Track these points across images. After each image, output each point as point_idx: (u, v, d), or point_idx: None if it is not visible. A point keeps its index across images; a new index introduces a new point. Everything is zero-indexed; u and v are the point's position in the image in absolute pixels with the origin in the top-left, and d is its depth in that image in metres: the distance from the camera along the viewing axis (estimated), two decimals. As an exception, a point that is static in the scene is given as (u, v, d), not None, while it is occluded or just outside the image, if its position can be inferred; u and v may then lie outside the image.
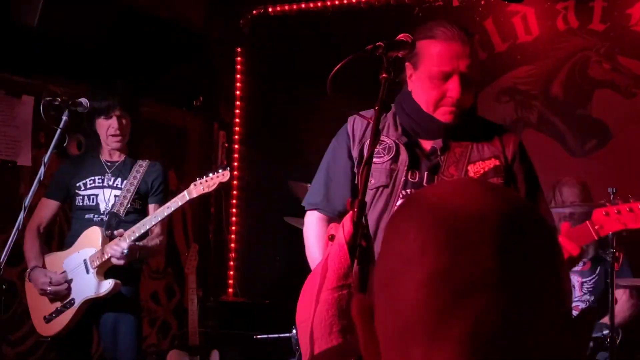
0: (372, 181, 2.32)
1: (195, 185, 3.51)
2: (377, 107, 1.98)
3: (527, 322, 0.67)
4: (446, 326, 0.66)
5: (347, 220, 1.87)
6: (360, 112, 2.43)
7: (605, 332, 3.62)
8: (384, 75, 2.00)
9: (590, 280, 4.04)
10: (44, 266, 3.66)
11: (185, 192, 3.51)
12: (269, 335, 4.49)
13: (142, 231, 3.50)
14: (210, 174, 3.51)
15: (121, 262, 3.48)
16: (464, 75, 2.28)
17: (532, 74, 5.10)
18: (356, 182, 2.38)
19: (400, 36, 2.06)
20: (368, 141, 2.36)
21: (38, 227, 3.73)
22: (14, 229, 2.93)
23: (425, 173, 2.36)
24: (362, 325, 0.76)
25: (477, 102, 2.49)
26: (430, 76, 2.30)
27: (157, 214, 3.53)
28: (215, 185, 3.49)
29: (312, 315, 1.79)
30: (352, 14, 5.55)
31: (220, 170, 3.51)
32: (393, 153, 2.36)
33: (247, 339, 4.80)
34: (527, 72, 5.11)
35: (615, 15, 4.90)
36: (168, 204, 3.53)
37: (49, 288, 3.56)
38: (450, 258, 0.67)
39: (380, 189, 2.34)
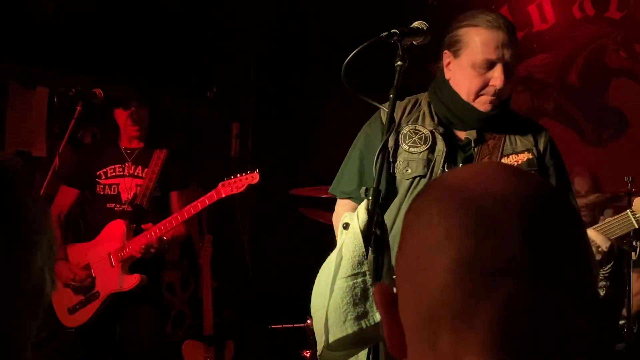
0: (409, 171, 2.28)
1: (223, 185, 3.49)
2: (392, 95, 1.97)
3: (556, 306, 0.66)
4: (474, 311, 0.65)
5: (362, 208, 1.86)
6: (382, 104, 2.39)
7: (622, 322, 3.59)
8: (399, 62, 1.99)
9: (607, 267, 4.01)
10: (65, 257, 3.67)
11: (213, 192, 3.50)
12: (284, 326, 4.49)
13: (170, 227, 3.51)
14: (239, 175, 3.49)
15: (147, 256, 3.51)
16: (508, 64, 2.24)
17: (548, 63, 5.06)
18: (391, 171, 2.33)
19: (416, 23, 2.05)
20: (403, 130, 2.35)
21: (59, 216, 3.74)
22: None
23: (460, 165, 2.31)
24: (387, 314, 0.74)
25: (511, 95, 2.44)
26: (473, 64, 2.25)
27: (184, 212, 3.52)
28: (244, 187, 3.48)
29: (327, 303, 1.79)
30: (365, 2, 5.52)
31: (249, 172, 3.49)
32: (430, 142, 2.31)
33: (262, 329, 4.81)
34: (543, 61, 5.07)
35: (631, 3, 4.85)
36: (195, 202, 3.52)
37: (72, 282, 3.59)
38: (477, 242, 0.66)
39: (417, 178, 2.29)
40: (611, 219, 2.12)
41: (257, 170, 3.50)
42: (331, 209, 2.63)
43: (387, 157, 2.33)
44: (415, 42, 2.02)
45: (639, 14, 4.84)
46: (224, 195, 3.48)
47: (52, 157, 3.09)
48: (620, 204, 3.65)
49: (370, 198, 1.84)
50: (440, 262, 0.67)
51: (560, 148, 2.44)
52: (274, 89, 5.93)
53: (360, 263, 1.79)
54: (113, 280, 3.57)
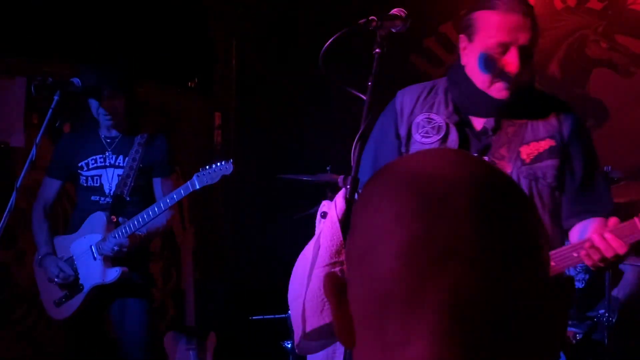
0: None
1: (198, 176, 3.45)
2: (370, 83, 1.96)
3: (505, 289, 0.65)
4: (422, 297, 0.64)
5: (340, 197, 1.85)
6: (410, 86, 2.34)
7: (602, 311, 3.62)
8: (377, 50, 1.97)
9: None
10: (53, 252, 3.65)
11: (188, 183, 3.47)
12: (265, 317, 4.49)
13: (144, 222, 3.48)
14: (214, 165, 3.45)
15: (122, 254, 3.49)
16: (524, 48, 2.14)
17: (529, 53, 5.07)
18: None
19: (394, 11, 2.04)
20: (417, 119, 2.30)
21: (44, 207, 3.72)
22: (6, 211, 2.91)
23: (475, 155, 2.25)
24: (336, 303, 0.73)
25: (535, 77, 2.35)
26: (486, 49, 2.15)
27: (160, 204, 3.50)
28: (219, 178, 3.46)
29: (304, 293, 1.78)
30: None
31: (222, 162, 3.46)
32: (443, 133, 2.24)
33: (243, 320, 4.80)
34: (524, 52, 5.08)
35: (613, -7, 4.86)
36: (171, 193, 3.50)
37: (56, 279, 3.58)
38: (426, 225, 0.65)
39: None
40: (621, 225, 2.01)
41: (232, 161, 3.47)
42: (313, 200, 2.62)
43: (400, 147, 2.30)
44: (393, 30, 2.01)
45: (620, 5, 4.85)
46: (198, 187, 3.46)
47: (30, 147, 3.06)
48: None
49: (348, 187, 1.83)
50: (389, 247, 0.66)
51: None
52: (256, 78, 5.91)
53: (338, 252, 1.79)
54: (96, 273, 3.56)
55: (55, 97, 3.10)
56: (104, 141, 3.69)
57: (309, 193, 4.19)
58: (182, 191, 3.47)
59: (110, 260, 3.55)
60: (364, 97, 1.95)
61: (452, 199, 0.66)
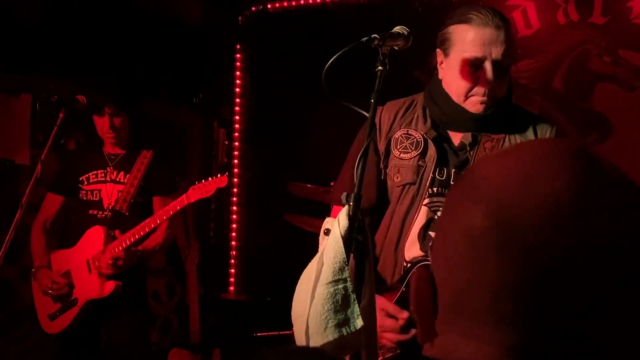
0: (399, 178, 2.24)
1: (193, 189, 3.48)
2: (372, 100, 1.96)
3: None
4: None
5: (343, 214, 1.85)
6: (389, 102, 2.36)
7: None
8: (379, 67, 1.98)
9: None
10: (48, 265, 3.65)
11: (184, 196, 3.49)
12: (270, 333, 4.48)
13: (140, 237, 3.49)
14: (209, 178, 3.48)
15: (116, 271, 3.47)
16: (498, 62, 2.15)
17: (532, 68, 5.07)
18: (382, 177, 2.29)
19: (397, 28, 2.04)
20: (395, 134, 2.31)
21: (44, 223, 3.73)
22: (11, 227, 2.92)
23: (453, 170, 2.23)
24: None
25: (511, 91, 2.33)
26: (461, 63, 2.17)
27: (156, 218, 3.51)
28: (213, 191, 3.47)
29: (308, 310, 1.77)
30: (352, 10, 5.53)
31: (218, 175, 3.48)
32: (421, 148, 2.25)
33: (248, 336, 4.79)
34: (528, 66, 5.08)
35: (615, 8, 4.86)
36: (167, 207, 3.52)
37: (49, 291, 3.58)
38: None
39: (407, 186, 2.24)
40: None
41: (226, 174, 3.51)
42: (317, 215, 2.62)
43: (378, 163, 2.31)
44: (396, 47, 2.01)
45: (624, 19, 4.85)
46: (193, 200, 3.47)
47: (35, 164, 3.07)
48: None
49: (351, 204, 1.83)
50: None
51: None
52: (261, 93, 5.93)
53: (342, 269, 1.78)
54: (91, 287, 3.56)
55: (60, 115, 3.11)
56: (107, 157, 3.71)
57: (315, 208, 4.20)
58: (177, 205, 3.48)
59: (106, 274, 3.54)
60: (366, 114, 1.95)
61: None
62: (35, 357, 4.52)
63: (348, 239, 1.78)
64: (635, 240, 0.64)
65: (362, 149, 1.87)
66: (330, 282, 1.76)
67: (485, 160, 0.76)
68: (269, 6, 5.85)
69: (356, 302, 1.75)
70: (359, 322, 1.74)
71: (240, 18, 5.95)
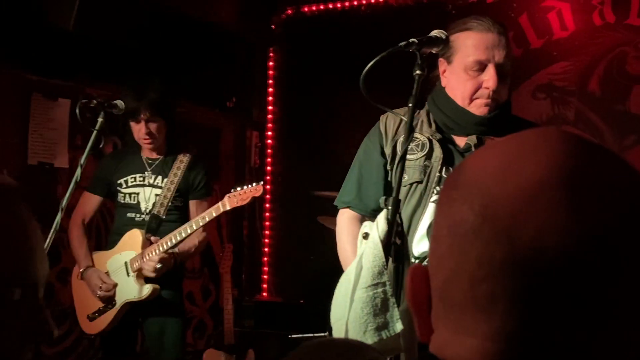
0: (406, 177, 2.28)
1: (229, 197, 3.53)
2: (411, 104, 1.97)
3: None
4: None
5: (382, 218, 1.86)
6: (393, 110, 2.41)
7: None
8: (417, 71, 1.99)
9: None
10: (94, 265, 3.72)
11: (219, 204, 3.54)
12: (304, 335, 4.49)
13: (176, 240, 3.54)
14: (245, 187, 3.54)
15: (155, 274, 3.53)
16: (500, 66, 2.24)
17: (568, 70, 5.03)
18: (389, 179, 2.36)
19: (434, 32, 2.06)
20: (401, 138, 2.35)
21: (82, 222, 3.78)
22: (51, 231, 2.96)
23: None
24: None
25: (511, 98, 2.42)
26: (465, 67, 2.26)
27: (192, 223, 3.56)
28: (249, 199, 3.52)
29: (347, 314, 1.78)
30: (385, 12, 5.53)
31: (253, 184, 3.53)
32: (427, 149, 2.32)
33: (282, 338, 4.81)
34: (564, 68, 5.04)
35: (653, 9, 4.81)
36: (203, 214, 3.56)
37: (99, 292, 3.64)
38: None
39: (414, 185, 2.30)
40: None
41: (262, 183, 3.56)
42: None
43: (385, 165, 2.39)
44: (434, 51, 2.03)
45: (660, 20, 4.79)
46: (229, 208, 3.52)
47: (74, 168, 3.11)
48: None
49: (389, 207, 1.84)
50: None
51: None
52: (294, 97, 5.95)
53: (381, 273, 1.79)
54: (129, 289, 3.62)
55: (99, 119, 3.15)
56: (145, 161, 3.76)
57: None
58: (213, 212, 3.53)
59: (144, 277, 3.60)
60: (404, 118, 1.96)
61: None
62: (75, 357, 4.59)
63: (387, 243, 1.80)
64: (621, 222, 0.65)
65: (401, 153, 1.89)
66: (369, 286, 1.77)
67: (473, 153, 0.77)
68: (303, 9, 5.87)
69: (395, 305, 1.76)
70: (398, 326, 1.75)
71: (273, 21, 5.99)
